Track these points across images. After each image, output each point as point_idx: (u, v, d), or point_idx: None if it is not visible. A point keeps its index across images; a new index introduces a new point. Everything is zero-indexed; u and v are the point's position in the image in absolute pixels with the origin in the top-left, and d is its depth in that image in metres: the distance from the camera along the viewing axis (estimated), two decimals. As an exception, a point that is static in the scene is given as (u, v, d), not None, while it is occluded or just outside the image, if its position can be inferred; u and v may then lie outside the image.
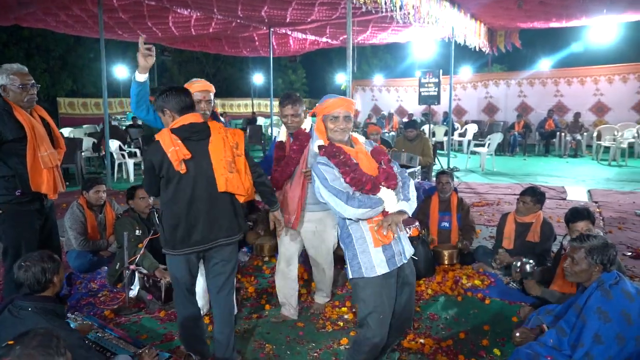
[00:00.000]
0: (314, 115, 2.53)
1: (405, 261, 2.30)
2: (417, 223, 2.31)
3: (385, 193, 2.22)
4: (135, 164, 9.10)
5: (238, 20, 9.45)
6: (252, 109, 24.70)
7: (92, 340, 2.72)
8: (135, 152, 9.54)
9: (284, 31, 10.86)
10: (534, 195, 3.72)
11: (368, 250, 2.19)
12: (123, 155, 8.93)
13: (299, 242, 3.12)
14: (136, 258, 3.40)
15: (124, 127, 12.44)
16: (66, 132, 11.57)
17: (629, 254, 4.26)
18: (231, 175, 2.36)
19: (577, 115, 11.67)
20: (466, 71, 18.31)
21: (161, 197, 2.37)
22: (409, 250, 2.35)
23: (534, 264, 2.96)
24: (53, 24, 8.82)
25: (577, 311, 2.29)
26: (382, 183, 2.24)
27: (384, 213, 2.21)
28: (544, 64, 21.37)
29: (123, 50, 23.68)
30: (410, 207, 2.27)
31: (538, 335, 2.48)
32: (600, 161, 10.23)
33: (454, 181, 4.94)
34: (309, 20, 9.56)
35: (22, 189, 2.77)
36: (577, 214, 3.00)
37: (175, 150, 2.24)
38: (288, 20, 9.52)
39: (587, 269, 2.29)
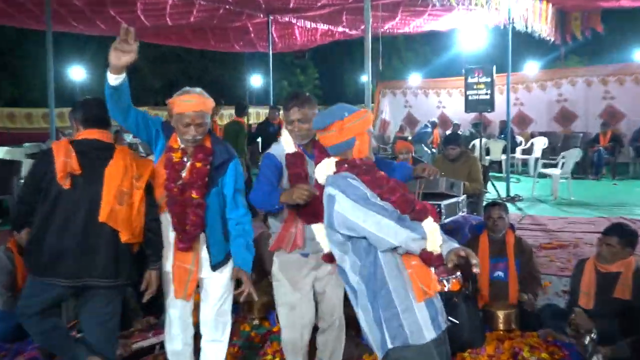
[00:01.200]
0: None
1: (447, 324, 2.27)
2: (458, 273, 2.26)
3: (429, 225, 2.15)
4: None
5: (227, 6, 9.69)
6: (248, 119, 24.98)
7: None
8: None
9: (286, 19, 11.08)
10: (622, 236, 3.65)
11: (412, 306, 2.12)
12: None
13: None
14: (78, 322, 3.39)
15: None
16: (1, 152, 11.78)
17: None
18: (118, 207, 2.65)
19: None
20: (532, 67, 18.31)
21: (36, 212, 2.68)
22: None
23: (595, 337, 2.85)
24: (-11, 13, 9.16)
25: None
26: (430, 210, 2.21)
27: (424, 254, 2.13)
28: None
29: (80, 47, 24.43)
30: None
31: None
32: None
33: (513, 214, 4.88)
34: (319, 5, 9.75)
35: None
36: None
37: (64, 161, 2.58)
38: (292, 5, 9.73)
39: None
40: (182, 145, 2.82)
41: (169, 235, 2.88)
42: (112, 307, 2.82)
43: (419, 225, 2.11)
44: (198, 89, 2.83)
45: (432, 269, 2.16)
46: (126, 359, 3.39)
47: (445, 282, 2.22)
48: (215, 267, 2.93)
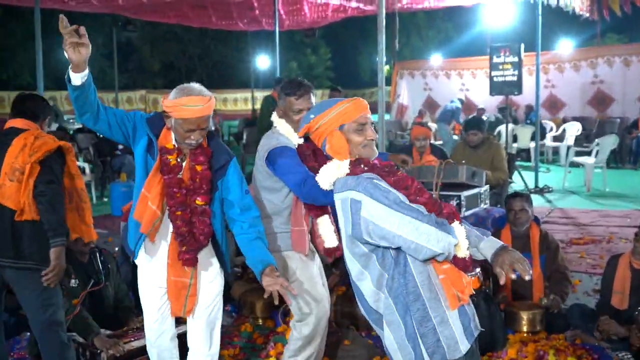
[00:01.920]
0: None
1: (480, 330, 2.20)
2: (478, 270, 2.25)
3: (457, 229, 2.11)
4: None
5: (229, -20, 9.72)
6: (253, 105, 25.12)
7: None
8: (84, 169, 9.77)
9: (294, -7, 11.09)
10: None
11: (447, 317, 2.06)
12: (66, 172, 9.13)
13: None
14: (68, 320, 3.43)
15: (70, 132, 12.80)
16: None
17: None
18: (9, 184, 2.96)
19: None
20: (566, 46, 18.13)
21: None
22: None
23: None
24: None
25: None
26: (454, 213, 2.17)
27: (457, 260, 2.11)
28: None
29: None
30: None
31: None
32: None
33: (542, 207, 4.87)
34: (330, -24, 9.75)
35: None
36: None
37: None
38: (300, -23, 9.73)
39: None
40: (176, 145, 2.72)
41: (161, 246, 2.81)
42: (38, 293, 3.07)
43: (452, 229, 2.07)
44: (198, 87, 2.69)
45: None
46: (119, 359, 3.42)
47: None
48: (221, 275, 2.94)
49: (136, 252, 2.83)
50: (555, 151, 12.90)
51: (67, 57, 2.42)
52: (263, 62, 30.22)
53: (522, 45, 9.36)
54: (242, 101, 29.27)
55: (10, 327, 4.05)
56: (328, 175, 2.19)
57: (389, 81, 16.88)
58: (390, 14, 11.86)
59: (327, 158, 2.30)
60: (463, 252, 2.08)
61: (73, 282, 3.64)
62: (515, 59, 9.22)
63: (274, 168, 3.05)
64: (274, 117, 3.22)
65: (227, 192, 2.84)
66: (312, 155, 3.14)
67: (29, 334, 3.97)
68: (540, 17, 9.77)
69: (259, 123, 9.26)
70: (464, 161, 6.09)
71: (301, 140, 3.12)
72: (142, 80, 29.45)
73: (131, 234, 2.83)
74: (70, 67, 2.44)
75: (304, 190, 2.92)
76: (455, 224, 2.09)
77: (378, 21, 5.94)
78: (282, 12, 12.12)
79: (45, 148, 3.01)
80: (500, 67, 9.38)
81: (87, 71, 2.46)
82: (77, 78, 2.44)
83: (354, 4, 12.17)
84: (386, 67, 16.75)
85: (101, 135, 10.96)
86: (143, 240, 2.79)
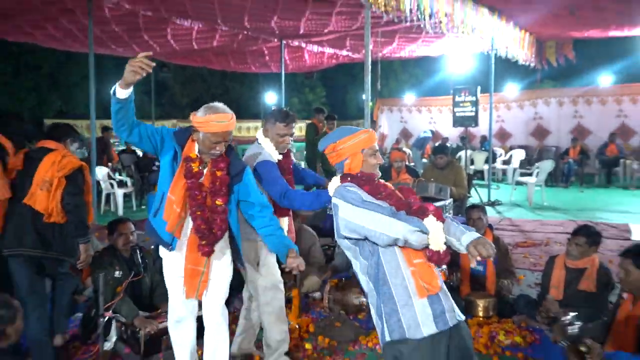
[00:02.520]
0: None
1: (461, 319, 2.13)
2: (444, 266, 2.26)
3: (431, 223, 2.05)
4: (125, 195, 9.26)
5: (245, 32, 9.74)
6: (263, 132, 25.13)
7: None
8: (126, 182, 9.73)
9: (297, 44, 11.12)
10: (588, 236, 3.66)
11: (412, 302, 2.03)
12: (112, 185, 9.11)
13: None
14: (113, 304, 3.43)
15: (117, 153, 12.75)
16: (51, 157, 11.93)
17: None
18: (39, 192, 3.12)
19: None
20: (512, 89, 18.28)
21: None
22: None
23: (581, 325, 2.85)
24: (40, 37, 9.26)
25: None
26: (431, 210, 2.10)
27: (428, 252, 2.06)
28: (605, 79, 21.22)
29: (118, 67, 24.50)
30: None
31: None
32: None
33: (493, 217, 4.86)
34: (326, 31, 9.78)
35: None
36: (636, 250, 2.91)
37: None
38: (302, 31, 9.76)
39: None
40: (199, 155, 2.69)
41: (182, 240, 2.75)
42: (62, 282, 3.45)
43: (416, 220, 2.03)
44: (222, 106, 2.67)
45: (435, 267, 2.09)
46: (153, 337, 3.39)
47: None
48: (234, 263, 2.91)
49: (173, 244, 2.74)
50: (504, 172, 12.90)
51: (125, 75, 2.40)
52: (270, 98, 30.28)
53: (479, 88, 9.40)
54: (253, 129, 29.17)
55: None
56: (331, 188, 2.28)
57: (372, 115, 16.98)
58: (373, 61, 11.92)
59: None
60: (437, 246, 2.03)
61: (117, 274, 3.61)
62: (473, 98, 9.26)
63: (261, 179, 3.05)
64: (260, 135, 3.24)
65: (247, 195, 2.82)
66: (288, 170, 3.23)
67: (80, 314, 3.95)
68: (493, 66, 9.85)
69: (307, 144, 9.12)
70: (432, 179, 6.12)
71: (280, 157, 3.17)
72: (173, 113, 29.37)
73: (163, 230, 2.73)
74: (118, 83, 2.43)
75: (284, 201, 3.00)
76: (430, 219, 2.04)
77: (365, 68, 5.98)
78: (287, 58, 12.14)
79: (70, 166, 3.21)
80: (461, 104, 9.41)
81: (131, 90, 2.48)
82: (123, 93, 2.44)
83: (344, 53, 12.21)
84: (370, 104, 16.92)
85: (141, 155, 11.03)
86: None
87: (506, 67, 14.48)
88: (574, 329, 2.83)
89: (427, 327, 2.02)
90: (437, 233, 2.04)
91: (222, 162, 2.72)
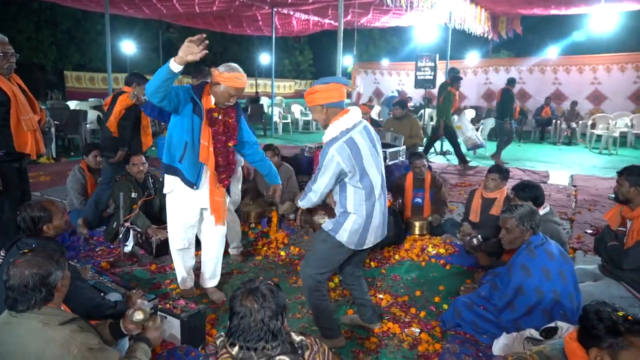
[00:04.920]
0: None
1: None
2: (389, 195, 2.61)
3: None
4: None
5: (241, 0, 9.66)
6: (256, 88, 24.89)
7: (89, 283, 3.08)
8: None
9: (286, 11, 11.03)
10: (500, 172, 3.96)
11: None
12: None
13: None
14: (131, 217, 3.74)
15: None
16: (72, 104, 11.88)
17: (590, 231, 4.56)
18: (113, 119, 4.15)
19: (574, 103, 11.83)
20: (473, 57, 18.27)
21: None
22: None
23: (481, 239, 3.26)
24: (60, -4, 9.10)
25: (508, 268, 2.63)
26: None
27: None
28: (551, 51, 21.24)
29: (130, 26, 23.84)
30: None
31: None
32: (592, 149, 10.43)
33: (443, 164, 5.09)
34: (310, 1, 9.74)
35: (7, 150, 3.00)
36: (520, 186, 3.30)
37: None
38: (290, 0, 9.71)
39: (520, 236, 2.61)
40: (215, 106, 2.74)
41: (204, 178, 2.82)
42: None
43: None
44: (239, 67, 2.72)
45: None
46: (162, 242, 3.68)
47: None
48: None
49: (198, 183, 2.81)
50: (458, 128, 13.22)
51: (182, 54, 2.38)
52: (265, 58, 29.75)
53: (437, 55, 9.54)
54: (248, 86, 28.85)
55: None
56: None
57: (350, 76, 16.97)
58: (351, 29, 11.88)
59: None
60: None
61: (133, 194, 3.84)
62: (432, 64, 9.43)
63: None
64: None
65: (243, 136, 2.96)
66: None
67: (105, 226, 4.22)
68: (450, 37, 9.95)
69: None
70: (392, 129, 6.44)
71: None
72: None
73: (189, 172, 2.78)
74: (174, 58, 2.40)
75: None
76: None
77: (338, 34, 6.18)
78: (277, 24, 12.05)
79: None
80: (422, 69, 9.56)
81: (183, 66, 2.43)
82: (176, 67, 2.42)
83: (327, 21, 12.16)
84: (351, 67, 16.83)
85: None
86: (202, 173, 2.80)
87: (467, 39, 14.50)
88: (473, 242, 3.26)
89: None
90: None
91: (232, 112, 2.81)
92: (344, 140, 2.33)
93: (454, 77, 8.27)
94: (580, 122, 11.66)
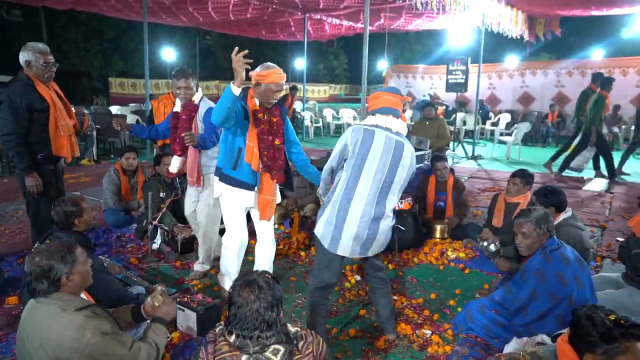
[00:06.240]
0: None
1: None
2: (409, 198, 2.64)
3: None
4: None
5: (274, 6, 9.87)
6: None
7: (116, 277, 3.26)
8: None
9: (318, 17, 11.17)
10: (523, 177, 3.86)
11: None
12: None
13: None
14: (159, 215, 3.90)
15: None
16: (114, 109, 12.49)
17: (621, 239, 4.39)
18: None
19: (617, 107, 11.33)
20: (512, 60, 17.79)
21: None
22: None
23: (499, 245, 3.21)
24: (104, 8, 9.58)
25: (522, 272, 2.59)
26: None
27: None
28: (594, 53, 20.45)
29: (170, 34, 24.75)
30: None
31: (493, 295, 2.80)
32: (635, 155, 9.95)
33: (473, 168, 5.05)
34: (342, 6, 9.84)
35: (45, 153, 3.20)
36: (542, 191, 3.23)
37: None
38: (321, 6, 9.84)
39: (537, 239, 2.55)
40: (259, 107, 2.77)
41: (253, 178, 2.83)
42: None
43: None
44: (272, 64, 2.77)
45: None
46: (187, 240, 3.85)
47: (399, 203, 2.62)
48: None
49: (257, 184, 2.85)
50: (493, 132, 12.92)
51: (237, 75, 2.41)
52: (299, 63, 30.06)
53: (469, 59, 9.39)
54: (283, 90, 29.35)
55: (126, 220, 4.51)
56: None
57: (383, 80, 16.93)
58: (382, 33, 11.90)
59: None
60: None
61: (162, 194, 4.02)
62: (464, 67, 9.30)
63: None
64: (200, 91, 3.34)
65: (289, 135, 2.95)
66: (178, 117, 3.36)
67: (135, 225, 4.45)
68: (482, 40, 9.77)
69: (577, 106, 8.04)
70: (420, 129, 6.44)
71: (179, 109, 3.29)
72: (216, 74, 29.46)
73: (246, 175, 2.82)
74: (233, 82, 2.43)
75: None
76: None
77: (364, 38, 6.21)
78: (310, 29, 12.22)
79: None
80: (454, 72, 9.45)
81: (242, 87, 2.46)
82: (238, 90, 2.45)
83: (359, 25, 12.20)
84: (386, 71, 16.77)
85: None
86: (258, 174, 2.82)
87: (505, 41, 14.20)
88: (490, 248, 3.22)
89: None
90: None
91: (276, 110, 2.83)
92: (364, 127, 2.35)
93: (605, 80, 7.23)
94: (624, 126, 11.15)
